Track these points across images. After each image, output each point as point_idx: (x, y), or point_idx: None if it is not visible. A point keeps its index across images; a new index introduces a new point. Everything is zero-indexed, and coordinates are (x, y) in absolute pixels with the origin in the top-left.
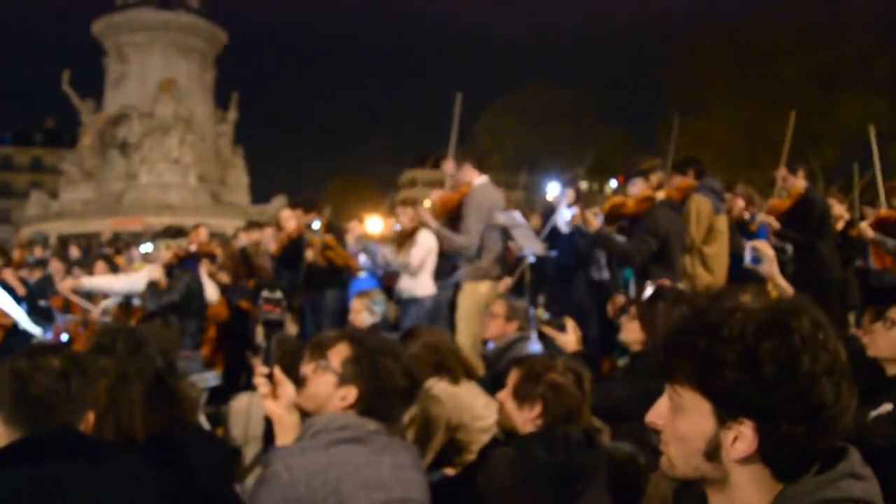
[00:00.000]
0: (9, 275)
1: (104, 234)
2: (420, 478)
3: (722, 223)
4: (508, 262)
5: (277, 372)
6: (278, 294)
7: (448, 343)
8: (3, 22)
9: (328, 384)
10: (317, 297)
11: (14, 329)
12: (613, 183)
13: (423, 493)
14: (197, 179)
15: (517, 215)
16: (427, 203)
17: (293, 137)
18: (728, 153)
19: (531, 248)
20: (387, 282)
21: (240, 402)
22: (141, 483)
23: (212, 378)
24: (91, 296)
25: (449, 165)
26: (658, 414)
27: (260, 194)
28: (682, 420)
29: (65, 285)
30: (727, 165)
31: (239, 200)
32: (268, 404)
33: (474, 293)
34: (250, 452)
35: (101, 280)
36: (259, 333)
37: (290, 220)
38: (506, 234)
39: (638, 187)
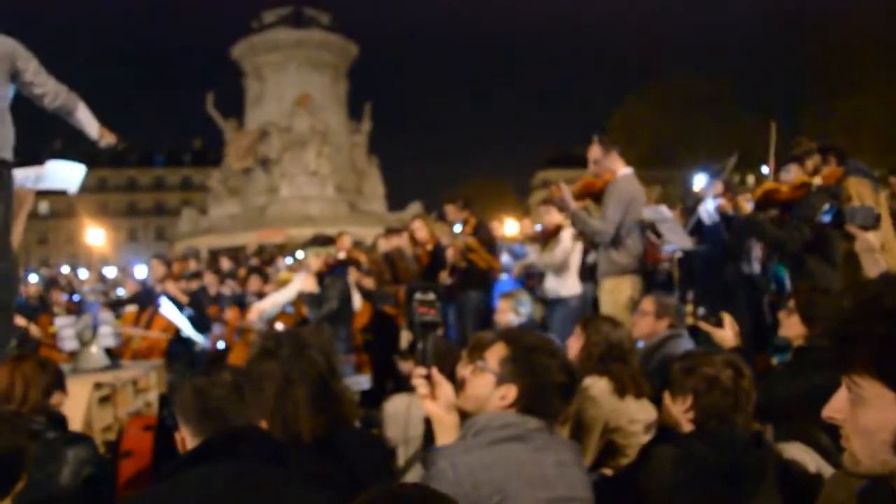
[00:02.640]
0: (171, 286)
1: (250, 246)
2: (583, 476)
3: (882, 201)
4: (649, 259)
5: (435, 373)
6: (431, 296)
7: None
8: (152, 54)
9: (487, 384)
10: (460, 300)
11: (178, 337)
12: (765, 169)
13: (587, 492)
14: (335, 190)
15: (664, 209)
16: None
17: (426, 144)
18: (884, 133)
19: (679, 243)
20: (528, 283)
21: (395, 404)
22: (315, 484)
23: (363, 382)
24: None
25: (595, 150)
26: (836, 408)
27: (396, 202)
28: (864, 412)
29: (252, 317)
30: (887, 147)
31: (375, 209)
32: (427, 405)
33: (615, 290)
34: (404, 454)
35: (270, 301)
36: (404, 338)
37: (421, 229)
38: (645, 229)
39: (792, 173)
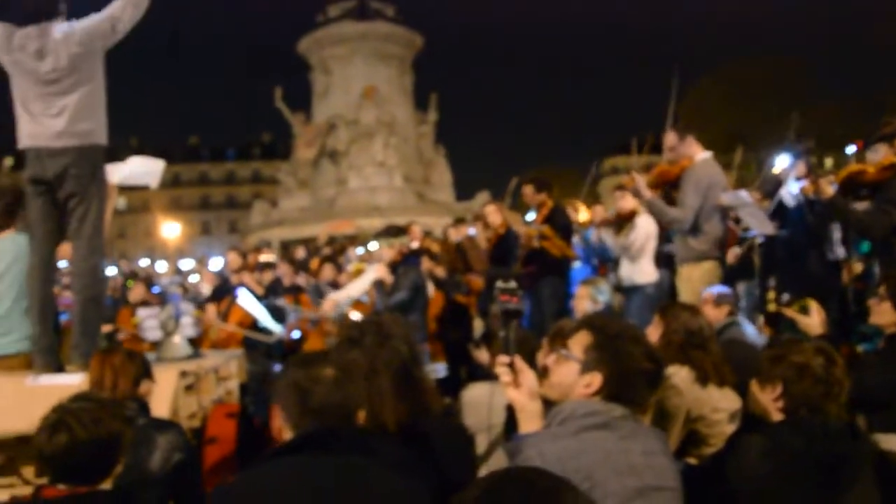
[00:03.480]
0: (248, 277)
1: (320, 237)
2: (671, 464)
3: None
4: (729, 244)
5: (518, 361)
6: (513, 284)
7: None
8: (224, 51)
9: (571, 372)
10: (537, 287)
11: (255, 327)
12: (851, 148)
13: (676, 481)
14: (402, 180)
15: (743, 194)
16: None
17: (493, 133)
18: None
19: (760, 228)
20: (601, 271)
21: (476, 392)
22: (406, 472)
23: (440, 370)
24: (322, 295)
25: (670, 137)
26: None
27: (463, 191)
28: None
29: (327, 307)
30: None
31: (443, 198)
32: (511, 393)
33: (692, 277)
34: (485, 442)
35: (345, 292)
36: (476, 327)
37: (494, 214)
38: (726, 214)
39: (880, 153)
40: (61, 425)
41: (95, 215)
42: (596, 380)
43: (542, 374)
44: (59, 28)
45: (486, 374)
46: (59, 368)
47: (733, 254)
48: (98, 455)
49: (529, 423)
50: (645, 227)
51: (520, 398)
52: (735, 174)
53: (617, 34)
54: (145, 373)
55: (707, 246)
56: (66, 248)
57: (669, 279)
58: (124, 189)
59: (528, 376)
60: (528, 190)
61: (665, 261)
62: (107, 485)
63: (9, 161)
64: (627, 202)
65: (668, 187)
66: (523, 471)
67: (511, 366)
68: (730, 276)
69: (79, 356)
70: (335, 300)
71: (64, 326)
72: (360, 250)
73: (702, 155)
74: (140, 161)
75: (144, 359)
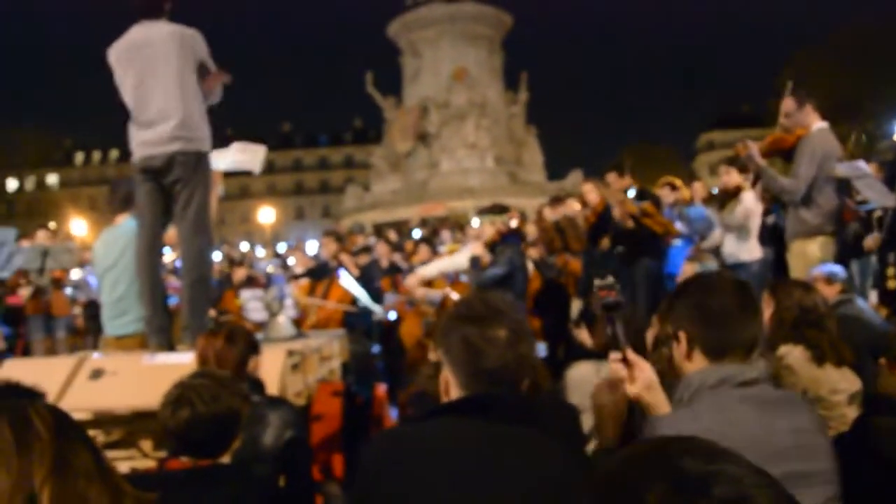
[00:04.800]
0: (346, 259)
1: (413, 220)
2: (824, 442)
3: None
4: (845, 218)
5: (630, 354)
6: (610, 279)
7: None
8: (315, 42)
9: (680, 350)
10: (632, 266)
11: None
12: None
13: (829, 461)
14: (494, 161)
15: (861, 164)
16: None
17: (584, 111)
18: None
19: (880, 199)
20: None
21: (581, 371)
22: (567, 443)
23: (540, 349)
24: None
25: (788, 103)
26: None
27: (555, 171)
28: None
29: (410, 283)
30: None
31: (535, 179)
32: (629, 389)
33: (804, 253)
34: (588, 421)
35: (433, 267)
36: (574, 306)
37: (592, 192)
38: (842, 187)
39: None
40: (184, 401)
41: (200, 199)
42: (681, 336)
43: (654, 350)
44: (164, 26)
45: (586, 354)
46: (170, 348)
47: (874, 240)
48: (218, 430)
49: (657, 410)
50: (750, 203)
51: (639, 392)
52: (850, 147)
53: (712, 4)
54: (253, 349)
55: (820, 220)
56: (172, 234)
57: (773, 256)
58: (227, 175)
59: (643, 369)
60: (612, 176)
61: (769, 237)
62: (226, 459)
63: (114, 153)
64: (732, 177)
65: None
66: (693, 441)
67: (625, 360)
68: (842, 252)
69: (189, 336)
70: (422, 274)
71: (173, 309)
72: (473, 224)
73: (819, 124)
74: (242, 147)
75: (250, 335)
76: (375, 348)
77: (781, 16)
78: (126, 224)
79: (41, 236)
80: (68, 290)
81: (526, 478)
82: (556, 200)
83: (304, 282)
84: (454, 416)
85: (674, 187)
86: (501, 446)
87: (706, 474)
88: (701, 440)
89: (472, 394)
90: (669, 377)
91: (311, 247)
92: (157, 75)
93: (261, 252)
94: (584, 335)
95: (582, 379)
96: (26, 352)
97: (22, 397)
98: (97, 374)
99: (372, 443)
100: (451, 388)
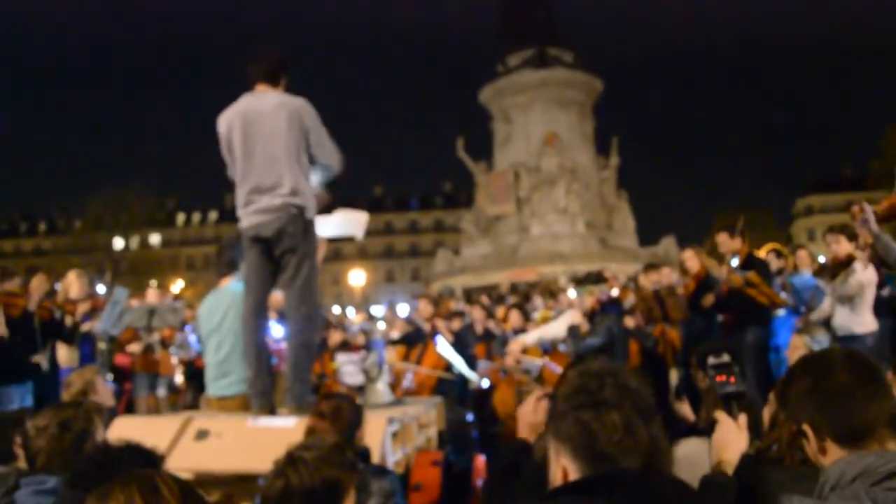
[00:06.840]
0: (441, 324)
1: (503, 285)
2: None
3: None
4: None
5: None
6: (725, 357)
7: None
8: (406, 106)
9: (811, 447)
10: (737, 336)
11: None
12: None
13: None
14: (585, 227)
15: None
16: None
17: (677, 176)
18: None
19: None
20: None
21: (689, 447)
22: None
23: None
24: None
25: None
26: None
27: (647, 236)
28: None
29: (514, 348)
30: None
31: (626, 244)
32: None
33: None
34: None
35: (533, 335)
36: (673, 376)
37: (692, 259)
38: None
39: None
40: (281, 472)
41: (309, 267)
42: (806, 430)
43: (770, 429)
44: (274, 97)
45: (689, 429)
46: (272, 411)
47: None
48: (313, 502)
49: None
50: (864, 273)
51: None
52: None
53: (805, 54)
54: (359, 420)
55: None
56: (276, 298)
57: (889, 328)
58: (331, 241)
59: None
60: (723, 237)
61: (884, 308)
62: None
63: (213, 214)
64: (843, 246)
65: None
66: None
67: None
68: None
69: (291, 399)
70: (523, 341)
71: (274, 370)
72: (570, 294)
73: None
74: (346, 214)
75: (358, 406)
76: (469, 416)
77: (881, 72)
78: (231, 287)
79: (150, 295)
80: (171, 349)
81: None
82: (651, 268)
83: (399, 346)
84: (577, 496)
85: (779, 254)
86: None
87: None
88: None
89: (591, 474)
90: (789, 462)
91: (402, 309)
92: (266, 145)
93: (351, 314)
94: (685, 409)
95: (691, 456)
96: (129, 408)
97: (143, 457)
98: (202, 434)
99: None
100: (570, 472)
